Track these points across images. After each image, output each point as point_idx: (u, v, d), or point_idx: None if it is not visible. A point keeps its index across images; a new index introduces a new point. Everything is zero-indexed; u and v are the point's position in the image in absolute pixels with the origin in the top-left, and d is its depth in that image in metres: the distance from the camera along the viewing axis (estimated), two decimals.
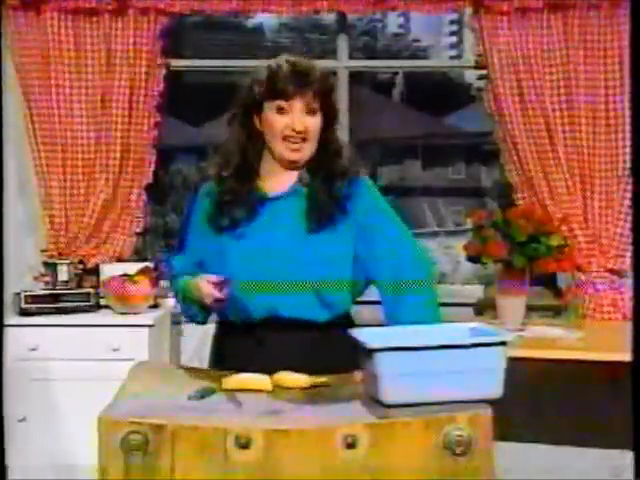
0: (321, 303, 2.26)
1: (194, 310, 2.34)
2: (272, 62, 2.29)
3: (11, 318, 3.83)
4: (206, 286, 2.21)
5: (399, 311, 2.25)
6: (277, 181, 2.32)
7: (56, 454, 3.77)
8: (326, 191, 2.28)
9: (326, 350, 2.24)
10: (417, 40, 8.06)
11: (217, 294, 2.20)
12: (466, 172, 8.02)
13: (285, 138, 2.26)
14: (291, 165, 2.31)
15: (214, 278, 2.21)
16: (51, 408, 3.76)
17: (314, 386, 2.01)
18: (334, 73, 4.30)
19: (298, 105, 2.24)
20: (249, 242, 2.27)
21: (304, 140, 2.26)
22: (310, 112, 2.26)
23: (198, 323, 2.40)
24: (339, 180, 2.29)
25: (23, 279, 4.05)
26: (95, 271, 4.06)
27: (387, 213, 2.36)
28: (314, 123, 2.27)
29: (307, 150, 2.28)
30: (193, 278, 2.27)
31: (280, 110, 2.25)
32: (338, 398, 1.95)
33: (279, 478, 1.73)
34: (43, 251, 4.14)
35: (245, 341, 2.28)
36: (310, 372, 2.05)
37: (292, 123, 2.24)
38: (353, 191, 2.30)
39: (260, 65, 2.32)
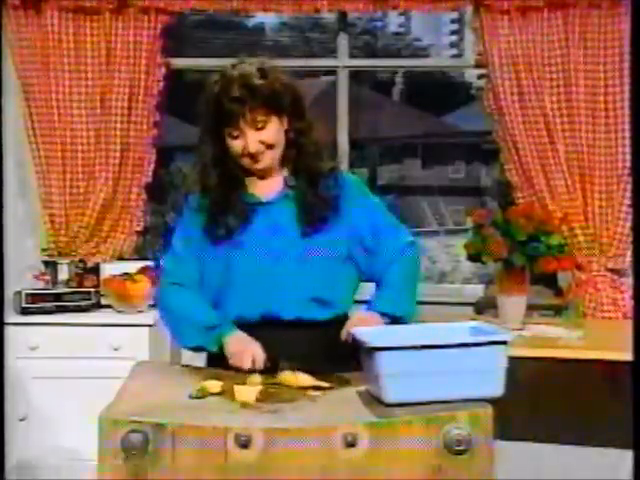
0: (319, 305, 2.28)
1: (198, 341, 2.31)
2: (217, 82, 2.25)
3: (12, 317, 3.83)
4: (248, 360, 2.19)
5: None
6: (265, 186, 2.34)
7: (56, 453, 3.77)
8: (313, 193, 2.30)
9: (324, 349, 2.24)
10: (417, 39, 8.07)
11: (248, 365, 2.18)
12: (466, 171, 8.02)
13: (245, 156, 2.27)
14: (260, 173, 2.32)
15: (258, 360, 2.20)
16: (52, 407, 3.76)
17: (316, 387, 2.01)
18: (334, 72, 4.30)
19: (244, 127, 2.23)
20: (247, 250, 2.28)
21: (266, 148, 2.26)
22: (259, 127, 2.24)
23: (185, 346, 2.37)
24: (322, 180, 2.31)
25: (23, 278, 4.05)
26: (95, 270, 4.05)
27: (375, 210, 2.37)
28: (268, 135, 2.25)
29: (268, 158, 2.28)
30: (237, 341, 2.24)
31: (231, 134, 2.25)
32: (338, 397, 1.95)
33: (279, 477, 1.73)
34: (43, 250, 4.14)
35: None
36: (308, 371, 2.07)
37: (244, 147, 2.25)
38: (342, 191, 2.32)
39: (211, 80, 2.28)
